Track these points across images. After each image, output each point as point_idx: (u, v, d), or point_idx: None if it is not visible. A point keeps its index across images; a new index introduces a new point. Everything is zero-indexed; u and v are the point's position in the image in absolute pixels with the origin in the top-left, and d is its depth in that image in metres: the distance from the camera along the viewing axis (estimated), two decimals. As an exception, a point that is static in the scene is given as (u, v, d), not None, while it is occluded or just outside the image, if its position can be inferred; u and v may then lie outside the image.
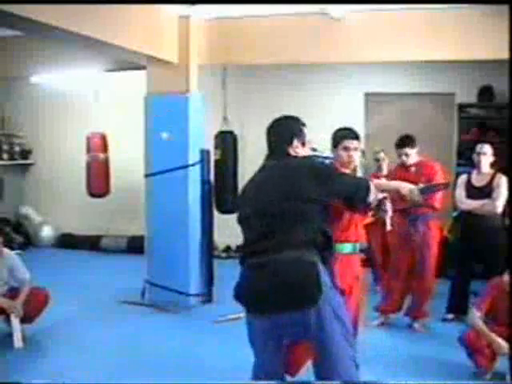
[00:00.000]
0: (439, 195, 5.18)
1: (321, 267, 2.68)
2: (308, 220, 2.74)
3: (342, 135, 3.69)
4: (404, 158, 5.41)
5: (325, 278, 2.70)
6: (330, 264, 2.86)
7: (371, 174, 7.19)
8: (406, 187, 3.34)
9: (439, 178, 5.19)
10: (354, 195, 2.93)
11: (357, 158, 3.69)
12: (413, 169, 5.39)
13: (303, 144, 3.03)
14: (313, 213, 2.76)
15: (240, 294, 2.79)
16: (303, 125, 3.08)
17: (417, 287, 5.41)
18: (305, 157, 3.01)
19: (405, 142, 5.43)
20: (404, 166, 5.43)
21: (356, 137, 3.67)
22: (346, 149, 3.61)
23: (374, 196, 2.99)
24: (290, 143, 2.97)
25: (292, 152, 2.97)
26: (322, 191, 2.79)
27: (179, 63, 6.07)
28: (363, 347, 4.19)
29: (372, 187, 2.97)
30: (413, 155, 5.42)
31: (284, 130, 3.02)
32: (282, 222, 2.72)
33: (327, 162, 3.58)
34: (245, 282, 2.78)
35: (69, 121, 9.31)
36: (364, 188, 2.96)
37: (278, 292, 2.63)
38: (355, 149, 3.64)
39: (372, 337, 4.93)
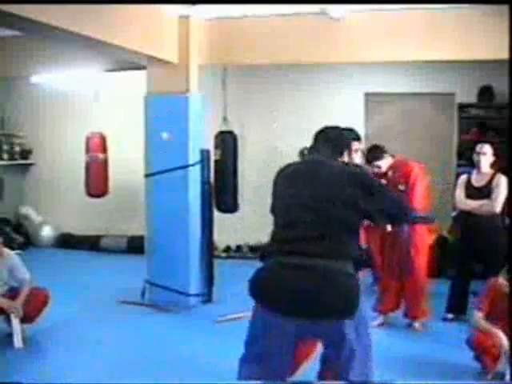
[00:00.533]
0: (419, 194, 5.18)
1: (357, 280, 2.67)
2: (352, 230, 2.71)
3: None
4: (377, 169, 5.36)
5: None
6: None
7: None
8: None
9: (415, 177, 5.20)
10: (396, 213, 2.91)
11: (357, 158, 3.72)
12: (389, 173, 5.38)
13: (349, 154, 3.08)
14: (356, 223, 2.74)
15: (262, 291, 2.68)
16: (357, 138, 3.28)
17: (408, 287, 5.41)
18: (347, 164, 2.99)
19: (374, 156, 5.35)
20: (378, 174, 5.32)
21: (357, 138, 3.70)
22: None
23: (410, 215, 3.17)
24: (341, 155, 2.99)
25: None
26: (368, 202, 2.71)
27: (179, 63, 6.07)
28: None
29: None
30: (383, 164, 5.37)
31: (337, 144, 3.01)
32: (329, 227, 2.64)
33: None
34: (274, 280, 2.65)
35: (69, 121, 9.31)
36: (405, 208, 3.01)
37: (320, 299, 2.54)
38: (356, 150, 3.68)
39: (372, 337, 4.92)
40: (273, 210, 2.89)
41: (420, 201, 5.16)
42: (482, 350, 4.15)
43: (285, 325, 2.64)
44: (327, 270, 2.55)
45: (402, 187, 5.11)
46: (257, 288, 2.70)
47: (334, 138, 3.01)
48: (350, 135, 3.17)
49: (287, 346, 2.72)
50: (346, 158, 3.01)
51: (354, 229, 2.72)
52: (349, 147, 3.08)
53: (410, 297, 5.42)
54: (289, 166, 2.98)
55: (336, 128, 3.12)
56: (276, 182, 2.93)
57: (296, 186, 2.78)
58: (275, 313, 2.63)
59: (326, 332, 2.67)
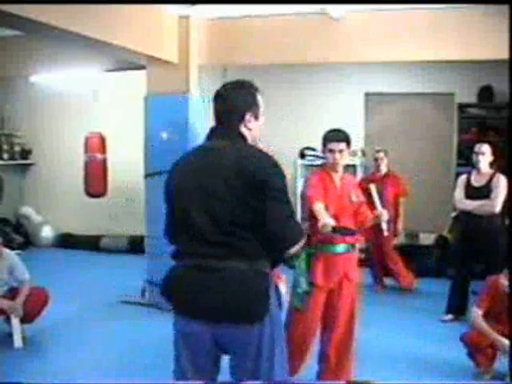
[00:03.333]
0: None
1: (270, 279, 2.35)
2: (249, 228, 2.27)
3: (328, 137, 3.72)
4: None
5: (272, 292, 2.35)
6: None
7: (371, 173, 7.23)
8: (322, 220, 3.40)
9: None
10: (281, 233, 2.29)
11: (342, 160, 3.71)
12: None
13: (256, 117, 2.47)
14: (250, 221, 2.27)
15: (172, 293, 2.49)
16: (257, 90, 2.49)
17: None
18: (261, 151, 2.40)
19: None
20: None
21: (343, 139, 3.67)
22: (331, 151, 3.67)
23: (296, 249, 2.34)
24: (242, 118, 2.43)
25: (244, 130, 2.43)
26: (254, 199, 2.24)
27: (179, 63, 6.06)
28: (363, 347, 4.20)
29: (301, 241, 2.34)
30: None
31: (235, 100, 2.43)
32: (232, 225, 2.27)
33: (318, 162, 3.53)
34: (181, 282, 2.44)
35: (69, 121, 9.31)
36: (297, 233, 2.34)
37: (220, 298, 2.28)
38: (340, 151, 3.65)
39: (372, 337, 4.93)
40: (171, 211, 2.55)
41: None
42: (475, 348, 4.16)
43: (202, 332, 2.38)
44: (228, 270, 2.27)
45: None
46: (167, 290, 2.52)
47: (229, 96, 2.43)
48: (252, 87, 2.48)
49: (207, 360, 2.48)
50: (252, 118, 2.44)
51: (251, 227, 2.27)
52: (254, 103, 2.45)
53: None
54: (182, 157, 2.54)
55: (232, 83, 2.49)
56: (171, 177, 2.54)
57: (186, 182, 2.41)
58: (185, 316, 2.43)
59: (240, 338, 2.34)
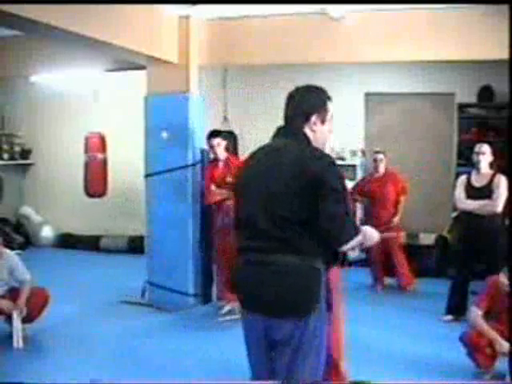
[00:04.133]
0: None
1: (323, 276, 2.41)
2: (306, 225, 2.36)
3: None
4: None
5: (322, 289, 2.41)
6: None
7: (369, 174, 7.24)
8: None
9: None
10: (334, 231, 2.35)
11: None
12: (221, 164, 5.84)
13: (323, 121, 2.54)
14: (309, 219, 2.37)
15: (237, 288, 2.57)
16: (329, 98, 2.58)
17: None
18: (321, 151, 2.49)
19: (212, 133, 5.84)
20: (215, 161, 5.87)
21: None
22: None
23: (350, 245, 2.41)
24: (307, 120, 2.52)
25: (308, 131, 2.51)
26: (311, 197, 2.33)
27: (179, 63, 6.06)
28: (363, 347, 4.21)
29: (355, 239, 2.40)
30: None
31: (303, 101, 2.55)
32: (288, 222, 2.35)
33: None
34: (241, 277, 2.52)
35: (69, 120, 9.31)
36: (351, 231, 2.39)
37: (276, 294, 2.37)
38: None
39: (372, 337, 4.93)
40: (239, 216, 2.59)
41: None
42: (474, 348, 4.15)
43: (256, 324, 2.48)
44: (282, 264, 2.35)
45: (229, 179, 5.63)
46: (233, 285, 2.64)
47: (298, 98, 2.57)
48: (324, 93, 2.58)
49: (261, 351, 2.51)
50: (319, 122, 2.52)
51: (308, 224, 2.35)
52: (322, 107, 2.54)
53: None
54: (252, 155, 2.63)
55: (303, 87, 2.61)
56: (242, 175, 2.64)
57: (250, 179, 2.53)
58: (246, 310, 2.53)
59: (286, 331, 2.40)
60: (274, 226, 2.37)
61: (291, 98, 2.60)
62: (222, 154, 5.85)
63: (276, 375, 2.47)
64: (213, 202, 5.84)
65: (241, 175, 2.65)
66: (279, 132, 2.58)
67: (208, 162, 6.06)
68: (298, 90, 2.61)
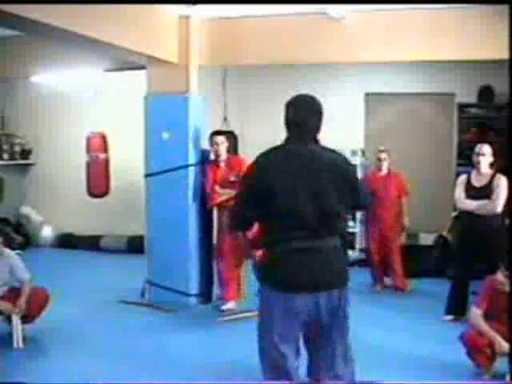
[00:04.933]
0: None
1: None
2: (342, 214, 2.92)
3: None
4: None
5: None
6: None
7: (372, 173, 7.23)
8: None
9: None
10: (370, 205, 3.41)
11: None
12: (222, 164, 5.90)
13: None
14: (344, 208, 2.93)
15: (280, 276, 2.82)
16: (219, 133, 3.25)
17: None
18: (335, 151, 2.98)
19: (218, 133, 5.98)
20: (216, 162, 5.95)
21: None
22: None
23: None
24: (318, 129, 2.98)
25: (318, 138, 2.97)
26: (347, 186, 2.90)
27: (179, 63, 6.07)
28: (363, 347, 4.20)
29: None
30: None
31: (317, 113, 3.02)
32: (331, 209, 2.82)
33: None
34: (289, 263, 2.80)
35: (69, 120, 9.30)
36: (371, 200, 3.37)
37: (326, 273, 2.82)
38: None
39: (372, 337, 4.93)
40: (266, 201, 2.83)
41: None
42: (474, 347, 4.15)
43: (302, 302, 2.80)
44: (328, 249, 2.83)
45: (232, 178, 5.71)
46: (271, 273, 2.86)
47: (313, 109, 3.06)
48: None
49: (297, 330, 2.88)
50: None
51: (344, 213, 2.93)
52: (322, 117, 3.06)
53: None
54: (275, 154, 2.95)
55: (312, 97, 3.16)
56: (264, 172, 2.89)
57: (288, 180, 2.82)
58: (291, 292, 2.80)
59: (334, 300, 2.84)
60: (319, 218, 2.78)
61: (306, 103, 3.09)
62: (224, 153, 5.86)
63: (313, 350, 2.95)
64: (219, 203, 5.83)
65: (265, 174, 2.86)
66: (298, 137, 2.91)
67: (208, 162, 6.06)
68: (311, 97, 3.13)
